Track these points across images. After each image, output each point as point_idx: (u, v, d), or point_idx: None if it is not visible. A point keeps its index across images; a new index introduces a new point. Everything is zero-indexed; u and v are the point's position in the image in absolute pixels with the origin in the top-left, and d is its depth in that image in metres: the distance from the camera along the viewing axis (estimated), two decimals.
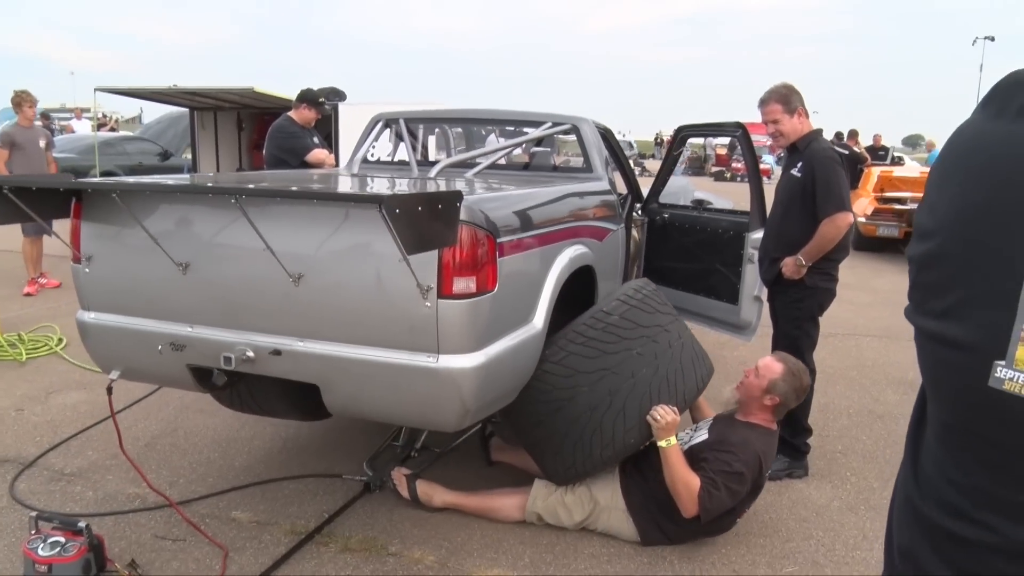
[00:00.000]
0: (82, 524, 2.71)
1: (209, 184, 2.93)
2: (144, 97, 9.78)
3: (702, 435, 3.12)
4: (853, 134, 14.91)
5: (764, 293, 4.47)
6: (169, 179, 3.24)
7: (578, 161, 4.71)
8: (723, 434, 3.06)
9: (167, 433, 4.11)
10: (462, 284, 2.37)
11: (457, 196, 2.18)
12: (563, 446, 2.99)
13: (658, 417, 2.88)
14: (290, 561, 2.91)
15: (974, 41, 53.44)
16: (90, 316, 2.84)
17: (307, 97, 6.00)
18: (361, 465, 3.73)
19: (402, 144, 4.50)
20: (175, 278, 2.63)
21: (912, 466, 1.02)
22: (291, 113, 6.03)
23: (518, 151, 4.87)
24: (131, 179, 3.41)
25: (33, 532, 2.73)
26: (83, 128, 16.43)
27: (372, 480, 3.52)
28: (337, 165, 6.25)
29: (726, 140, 23.06)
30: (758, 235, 4.40)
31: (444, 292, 2.36)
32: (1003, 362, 0.82)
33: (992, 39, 53.91)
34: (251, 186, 2.49)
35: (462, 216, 2.26)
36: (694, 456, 2.99)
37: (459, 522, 3.24)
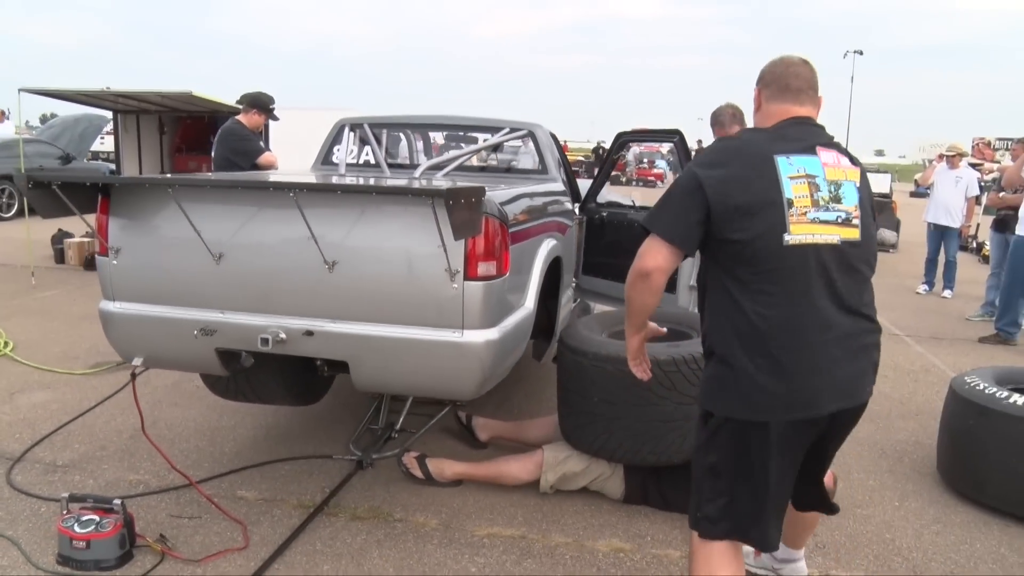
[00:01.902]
0: (117, 501, 2.88)
1: (270, 180, 3.12)
2: (69, 99, 9.52)
3: None
4: None
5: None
6: (212, 176, 3.41)
7: (526, 162, 5.12)
8: None
9: (149, 425, 4.19)
10: (484, 268, 2.72)
11: (482, 190, 2.52)
12: (616, 430, 3.30)
13: None
14: (307, 531, 3.15)
15: (845, 54, 57.37)
16: (115, 306, 3.00)
17: (258, 102, 6.14)
18: (345, 447, 4.00)
19: (367, 147, 4.76)
20: (208, 268, 2.85)
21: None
22: (240, 117, 6.15)
23: (478, 153, 5.18)
24: (185, 176, 3.59)
25: (65, 512, 2.88)
26: (7, 130, 15.48)
27: (363, 458, 3.79)
28: None
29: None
30: None
31: (470, 275, 2.70)
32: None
33: (861, 53, 58.00)
34: (309, 181, 2.75)
35: (485, 208, 2.60)
36: None
37: (452, 491, 3.56)
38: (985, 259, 10.94)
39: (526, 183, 4.19)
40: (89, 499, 2.92)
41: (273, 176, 3.85)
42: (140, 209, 2.92)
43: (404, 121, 5.13)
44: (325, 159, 4.89)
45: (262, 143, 6.24)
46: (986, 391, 3.50)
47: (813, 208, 2.07)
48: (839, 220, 2.10)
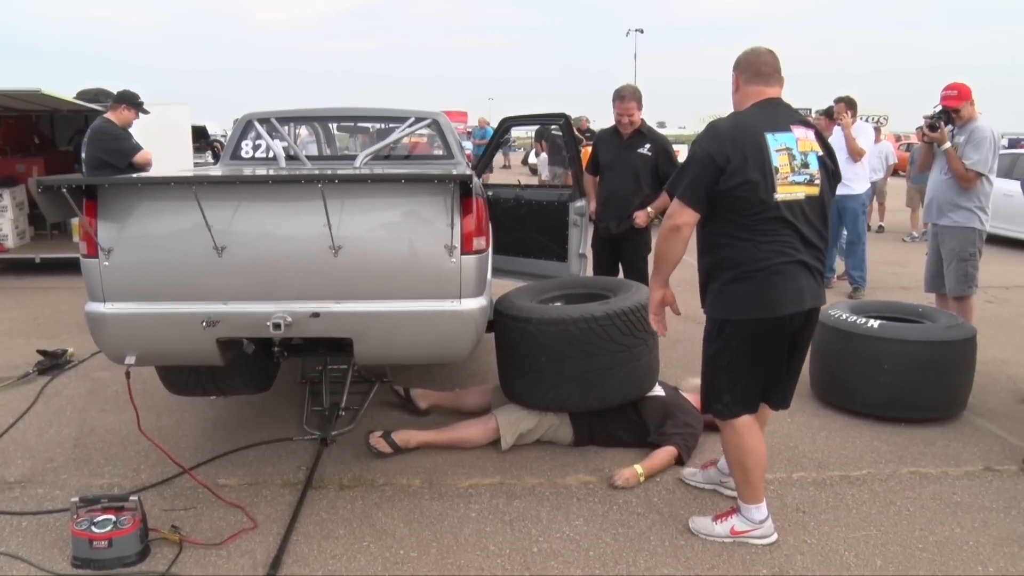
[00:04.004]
0: (134, 498, 2.96)
1: (301, 172, 3.25)
2: None
3: (659, 391, 4.07)
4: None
5: (588, 250, 5.59)
6: (216, 170, 3.47)
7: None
8: (675, 399, 4.07)
9: (86, 433, 4.16)
10: (477, 243, 3.08)
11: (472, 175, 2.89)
12: (563, 384, 3.73)
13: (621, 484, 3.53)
14: (305, 504, 3.37)
15: (627, 32, 61.07)
16: (108, 307, 3.03)
17: (127, 98, 5.96)
18: (299, 429, 4.19)
19: (276, 141, 4.87)
20: (211, 260, 2.97)
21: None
22: (109, 115, 5.95)
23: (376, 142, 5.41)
24: (203, 174, 3.63)
25: (76, 517, 2.91)
26: None
27: (324, 436, 4.00)
28: None
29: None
30: (580, 203, 5.48)
31: (465, 250, 3.05)
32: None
33: (642, 31, 62.00)
34: (336, 172, 2.95)
35: (477, 191, 2.97)
36: (658, 409, 3.93)
37: (419, 453, 3.88)
38: None
39: (451, 167, 4.53)
40: (103, 499, 2.96)
41: (297, 171, 3.95)
42: (132, 208, 2.98)
43: (310, 114, 5.26)
44: (234, 154, 4.93)
45: (135, 141, 6.06)
46: (848, 319, 4.35)
47: (791, 173, 2.81)
48: (806, 181, 2.84)
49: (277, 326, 3.00)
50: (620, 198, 5.17)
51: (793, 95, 2.88)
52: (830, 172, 2.96)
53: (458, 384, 4.83)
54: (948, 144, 4.92)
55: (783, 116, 2.89)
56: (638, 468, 3.58)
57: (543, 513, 3.31)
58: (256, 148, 4.93)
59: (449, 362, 4.12)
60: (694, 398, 4.13)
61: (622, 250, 5.34)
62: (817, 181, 2.87)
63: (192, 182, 2.92)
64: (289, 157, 4.87)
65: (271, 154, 5.14)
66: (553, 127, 6.31)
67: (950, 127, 5.00)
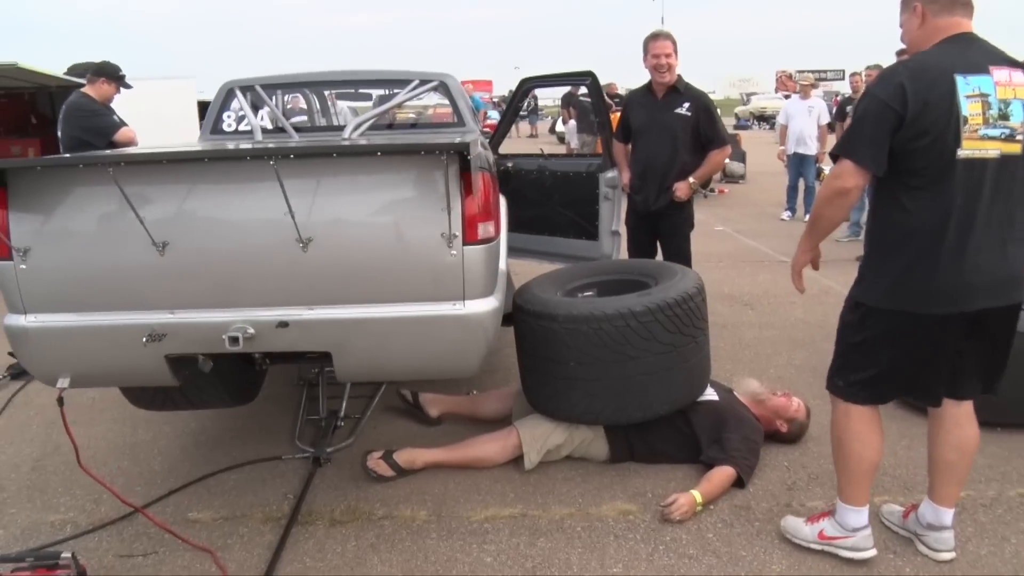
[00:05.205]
0: (67, 554, 2.40)
1: (243, 148, 2.61)
2: None
3: (712, 395, 3.43)
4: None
5: (621, 227, 4.93)
6: (163, 150, 2.85)
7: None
8: (731, 405, 3.43)
9: (49, 453, 3.64)
10: (483, 230, 2.45)
11: (477, 143, 2.25)
12: (599, 393, 3.12)
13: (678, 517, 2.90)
14: (288, 547, 2.80)
15: None
16: (29, 319, 2.47)
17: (106, 71, 5.35)
18: (290, 444, 3.63)
19: (262, 112, 4.27)
20: (150, 260, 2.39)
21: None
22: (87, 89, 5.36)
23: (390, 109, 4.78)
24: (119, 152, 2.95)
25: None
26: None
27: (318, 454, 3.43)
28: None
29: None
30: (612, 174, 4.81)
31: (468, 239, 2.43)
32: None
33: None
34: (291, 146, 2.34)
35: (480, 164, 2.34)
36: (710, 417, 3.30)
37: (427, 476, 3.29)
38: None
39: (461, 137, 3.89)
40: (27, 557, 2.41)
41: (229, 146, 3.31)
42: (53, 198, 2.39)
43: (300, 80, 4.64)
44: (214, 128, 4.33)
45: (116, 117, 5.48)
46: None
47: (983, 125, 2.27)
48: (1003, 136, 2.29)
49: (235, 340, 2.41)
50: (657, 167, 4.49)
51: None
52: None
53: (475, 385, 4.23)
54: None
55: (980, 54, 2.33)
56: (696, 495, 2.95)
57: (573, 556, 2.71)
58: (241, 120, 4.32)
59: (453, 378, 3.54)
60: (752, 403, 3.48)
61: (661, 227, 4.66)
62: (1020, 137, 2.31)
63: (108, 162, 2.31)
64: (274, 130, 4.27)
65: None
66: (580, 92, 5.63)
67: None
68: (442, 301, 2.48)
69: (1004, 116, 2.28)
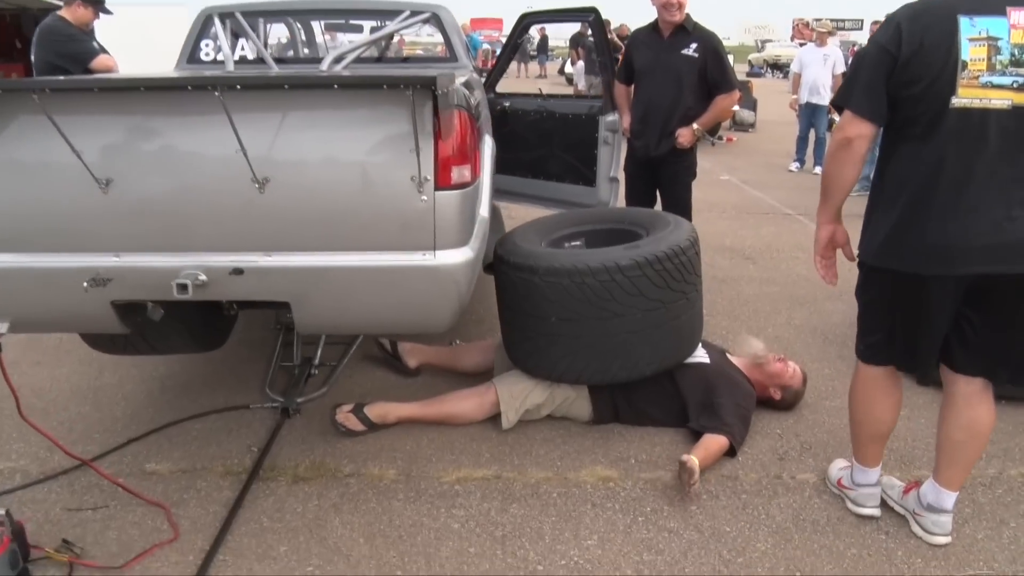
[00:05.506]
0: (1, 511, 2.25)
1: (184, 77, 2.36)
2: None
3: (703, 356, 3.23)
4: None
5: (619, 173, 4.69)
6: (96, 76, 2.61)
7: None
8: (723, 367, 3.23)
9: (5, 396, 3.47)
10: (457, 174, 2.23)
11: (452, 76, 2.02)
12: (581, 351, 2.94)
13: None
14: (245, 504, 2.65)
15: None
16: None
17: None
18: (260, 392, 3.47)
19: (242, 42, 3.99)
20: (92, 199, 2.17)
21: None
22: (63, 12, 5.06)
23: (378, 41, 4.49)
24: (52, 78, 2.70)
25: None
26: None
27: (287, 404, 3.27)
28: None
29: None
30: (613, 117, 4.56)
31: (441, 183, 2.21)
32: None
33: None
34: (242, 76, 2.11)
35: (456, 101, 2.10)
36: (701, 382, 3.11)
37: (400, 431, 3.13)
38: None
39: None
40: None
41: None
42: None
43: (283, 8, 4.34)
44: (191, 57, 4.06)
45: (96, 43, 5.19)
46: None
47: (987, 72, 2.04)
48: (1015, 85, 2.04)
49: (183, 287, 2.21)
50: (660, 111, 4.21)
51: None
52: None
53: (458, 334, 4.05)
54: None
55: None
56: (695, 460, 2.71)
57: (546, 526, 2.56)
58: (220, 49, 4.04)
59: (423, 333, 3.37)
60: (749, 366, 3.30)
61: (661, 174, 4.41)
62: None
63: (32, 88, 2.08)
64: (254, 60, 4.00)
65: (236, 56, 4.26)
66: (590, 32, 5.31)
67: None
68: (411, 251, 2.27)
69: (1018, 63, 2.04)
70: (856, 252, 2.39)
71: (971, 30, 2.04)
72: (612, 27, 15.50)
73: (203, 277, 2.24)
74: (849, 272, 2.54)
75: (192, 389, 3.54)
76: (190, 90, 2.11)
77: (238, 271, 2.26)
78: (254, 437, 3.11)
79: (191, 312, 2.98)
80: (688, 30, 4.15)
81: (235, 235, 2.27)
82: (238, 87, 2.02)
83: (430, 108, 2.10)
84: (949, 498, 2.44)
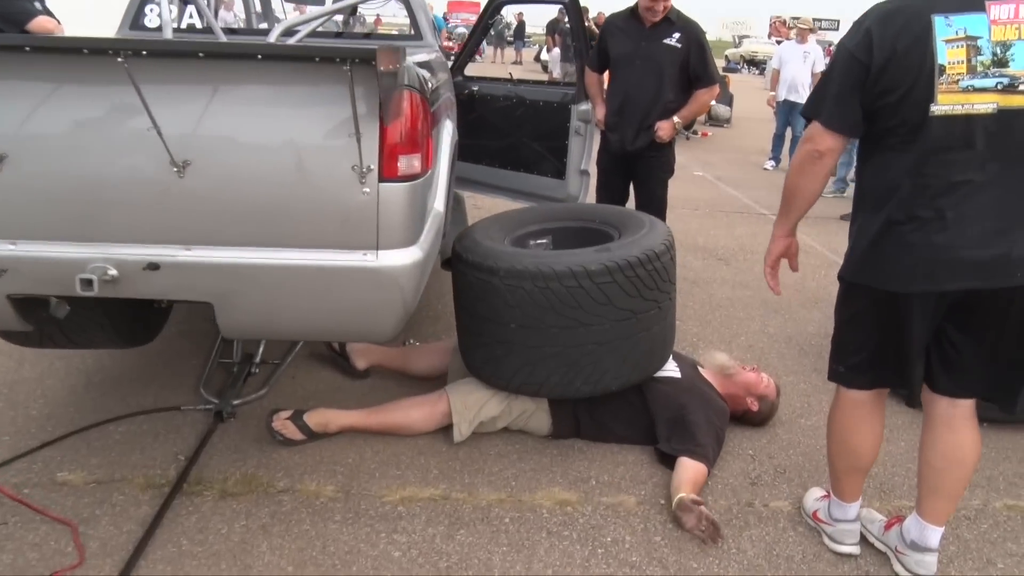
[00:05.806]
0: None
1: (83, 39, 2.05)
2: None
3: (673, 370, 3.01)
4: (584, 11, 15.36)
5: (591, 167, 4.47)
6: None
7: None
8: (694, 382, 3.01)
9: None
10: (405, 164, 1.97)
11: (403, 51, 1.76)
12: (542, 361, 2.70)
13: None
14: (165, 523, 2.39)
15: None
16: None
17: None
18: (194, 392, 3.19)
19: (189, 8, 3.68)
20: None
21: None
22: None
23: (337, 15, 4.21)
24: None
25: None
26: None
27: (221, 406, 3.00)
28: None
29: None
30: (586, 106, 4.33)
31: (386, 174, 1.95)
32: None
33: None
34: (152, 41, 1.82)
35: (406, 80, 1.85)
36: (670, 398, 2.89)
37: (342, 441, 2.88)
38: None
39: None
40: None
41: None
42: None
43: None
44: (134, 22, 3.73)
45: (37, 4, 4.82)
46: None
47: (968, 75, 1.88)
48: (998, 87, 1.87)
49: (88, 283, 1.94)
50: (638, 104, 3.98)
51: None
52: None
53: (412, 333, 3.80)
54: None
55: None
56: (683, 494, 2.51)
57: (496, 556, 2.33)
58: (160, 16, 3.71)
59: (365, 342, 3.12)
60: (719, 378, 3.09)
61: (636, 170, 4.19)
62: None
63: None
64: (202, 30, 3.69)
65: (184, 24, 3.94)
66: (566, 19, 5.05)
67: None
68: (351, 249, 2.01)
69: (1001, 62, 1.88)
70: (840, 271, 2.21)
71: (947, 31, 1.88)
72: (590, 15, 15.22)
73: (113, 272, 1.97)
74: (825, 279, 2.35)
75: (121, 386, 3.25)
76: (86, 54, 1.82)
77: (153, 266, 1.98)
78: (183, 443, 2.84)
79: (115, 304, 2.69)
80: (671, 19, 3.93)
81: (151, 225, 1.99)
82: (144, 53, 1.74)
83: (374, 87, 1.84)
84: (934, 534, 2.25)
